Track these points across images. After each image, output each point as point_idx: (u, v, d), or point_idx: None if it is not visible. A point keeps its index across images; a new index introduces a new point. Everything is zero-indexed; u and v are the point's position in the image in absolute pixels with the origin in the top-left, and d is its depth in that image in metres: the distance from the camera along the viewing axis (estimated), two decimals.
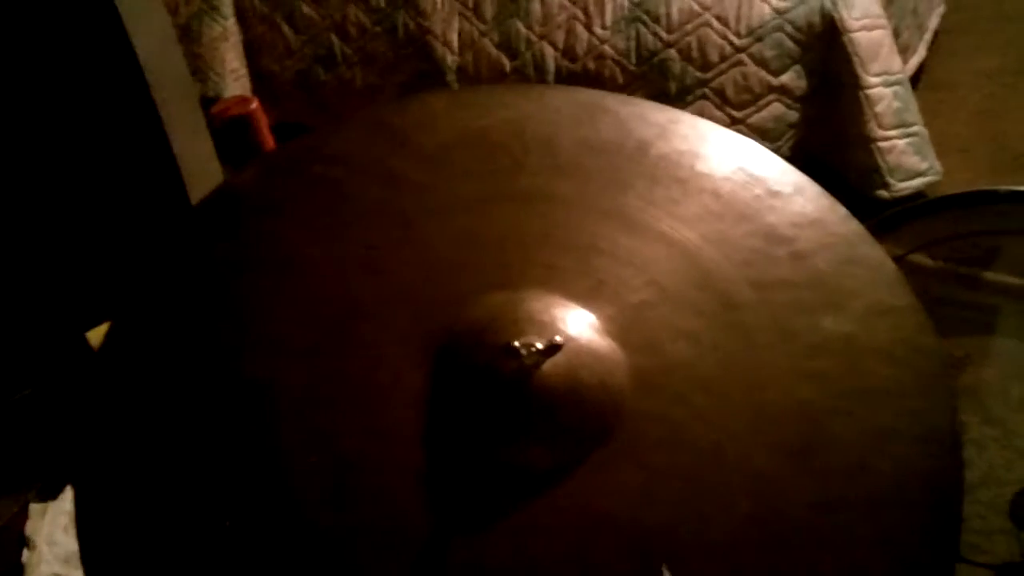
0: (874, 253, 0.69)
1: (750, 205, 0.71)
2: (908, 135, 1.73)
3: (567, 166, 0.74)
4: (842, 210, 0.71)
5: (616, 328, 0.65)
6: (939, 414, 0.62)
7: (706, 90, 1.80)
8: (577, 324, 0.64)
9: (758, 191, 0.72)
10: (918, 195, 1.75)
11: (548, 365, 0.61)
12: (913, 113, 1.75)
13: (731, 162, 0.74)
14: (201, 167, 1.21)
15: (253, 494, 0.59)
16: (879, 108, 1.71)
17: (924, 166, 1.75)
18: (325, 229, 0.70)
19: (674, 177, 0.73)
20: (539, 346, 0.60)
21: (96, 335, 1.02)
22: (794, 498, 0.59)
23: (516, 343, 0.60)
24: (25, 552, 1.14)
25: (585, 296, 0.66)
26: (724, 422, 0.62)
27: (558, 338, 0.61)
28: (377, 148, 0.75)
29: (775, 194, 0.72)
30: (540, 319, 0.64)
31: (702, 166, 0.74)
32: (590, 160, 0.74)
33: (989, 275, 0.90)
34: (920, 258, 0.91)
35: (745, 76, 1.77)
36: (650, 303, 0.66)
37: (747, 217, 0.70)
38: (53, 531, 1.14)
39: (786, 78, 1.76)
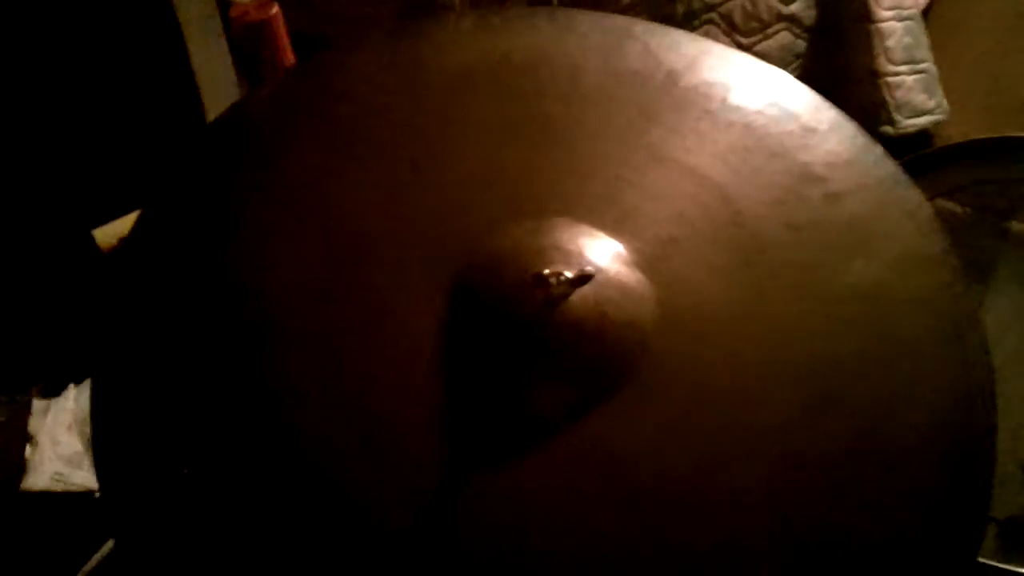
0: (910, 197, 0.68)
1: (783, 142, 0.69)
2: (917, 71, 1.71)
3: (593, 94, 0.72)
4: (879, 150, 0.69)
5: (644, 262, 0.63)
6: (971, 364, 0.62)
7: (714, 15, 1.77)
8: (605, 255, 0.63)
9: (791, 127, 0.70)
10: (923, 133, 1.74)
11: (575, 296, 0.59)
12: (923, 50, 1.73)
13: (764, 96, 0.72)
14: (216, 71, 1.17)
15: (256, 415, 0.58)
16: (889, 43, 1.69)
17: (931, 104, 1.73)
18: (342, 149, 0.69)
19: (704, 109, 0.71)
20: (568, 275, 0.58)
21: (102, 233, 1.00)
22: (820, 446, 0.58)
23: (546, 271, 0.58)
24: (28, 448, 1.13)
25: (611, 227, 0.65)
26: (749, 364, 0.61)
27: (589, 268, 0.59)
28: (398, 68, 0.73)
29: (810, 131, 0.70)
30: (567, 248, 0.63)
31: (733, 99, 0.72)
32: (617, 89, 0.72)
33: (1014, 224, 0.89)
34: (945, 204, 0.90)
35: (754, 3, 1.74)
36: (678, 238, 0.65)
37: (779, 154, 0.69)
38: (55, 429, 1.13)
39: (796, 7, 1.73)
